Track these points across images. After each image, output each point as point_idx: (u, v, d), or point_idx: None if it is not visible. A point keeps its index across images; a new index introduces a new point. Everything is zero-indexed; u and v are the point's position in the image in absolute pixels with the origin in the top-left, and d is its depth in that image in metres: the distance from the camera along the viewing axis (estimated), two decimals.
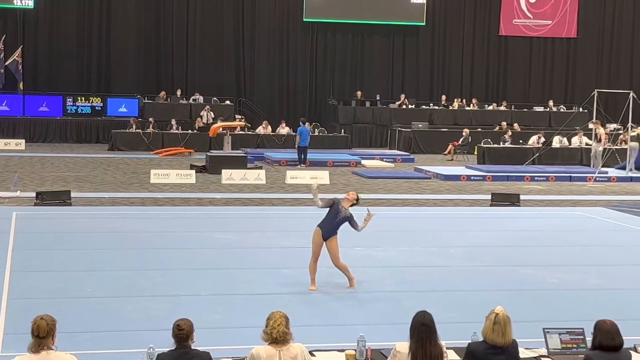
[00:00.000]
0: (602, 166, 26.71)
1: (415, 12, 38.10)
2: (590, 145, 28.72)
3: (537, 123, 35.64)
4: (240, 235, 15.31)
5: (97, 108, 34.08)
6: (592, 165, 27.74)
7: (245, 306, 10.47)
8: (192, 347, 6.32)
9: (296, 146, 28.38)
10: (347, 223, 11.27)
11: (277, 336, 6.27)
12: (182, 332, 6.26)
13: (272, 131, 32.98)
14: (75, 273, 12.07)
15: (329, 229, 11.20)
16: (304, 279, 11.33)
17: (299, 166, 27.39)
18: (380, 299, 11.10)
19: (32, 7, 34.93)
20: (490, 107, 36.95)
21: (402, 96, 36.67)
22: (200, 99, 35.21)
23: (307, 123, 29.75)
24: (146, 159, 28.79)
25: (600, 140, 27.82)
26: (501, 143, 30.48)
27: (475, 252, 14.32)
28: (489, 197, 20.67)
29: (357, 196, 11.50)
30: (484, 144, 30.56)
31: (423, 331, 6.31)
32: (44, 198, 18.20)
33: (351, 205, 11.36)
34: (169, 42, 36.77)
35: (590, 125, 29.27)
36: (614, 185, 25.29)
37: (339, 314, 10.33)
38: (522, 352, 7.04)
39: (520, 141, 30.68)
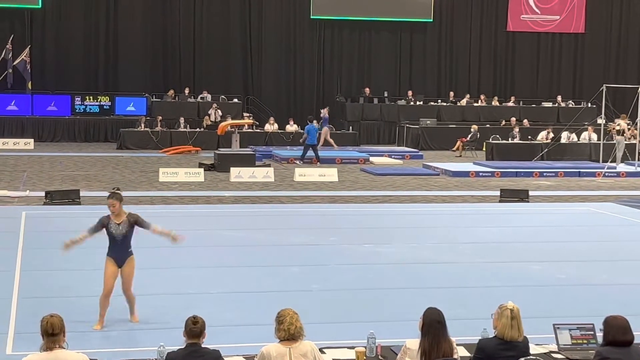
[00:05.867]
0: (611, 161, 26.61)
1: (422, 8, 38.05)
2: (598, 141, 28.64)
3: (545, 118, 35.52)
4: (249, 233, 15.31)
5: (105, 107, 34.14)
6: (613, 160, 27.18)
7: (254, 304, 10.48)
8: (202, 345, 6.32)
9: (302, 143, 28.32)
10: (135, 229, 9.62)
11: (295, 332, 6.30)
12: (197, 327, 6.25)
13: (279, 128, 33.01)
14: (84, 272, 12.07)
15: (119, 254, 9.61)
16: (313, 277, 11.32)
17: (297, 162, 27.38)
18: (390, 295, 11.09)
19: (40, 6, 35.00)
20: (496, 103, 36.86)
21: (410, 92, 36.63)
22: (208, 97, 35.23)
23: (314, 121, 29.70)
24: (154, 157, 28.83)
25: (623, 134, 27.69)
26: (510, 139, 30.42)
27: (484, 248, 14.31)
28: (497, 193, 20.63)
29: (114, 199, 9.49)
30: (492, 140, 30.49)
31: (439, 329, 6.32)
32: (53, 197, 18.23)
33: (126, 213, 9.62)
34: (177, 41, 36.79)
35: (599, 121, 29.15)
36: (623, 180, 25.26)
37: (349, 311, 10.33)
38: (533, 348, 7.01)
39: (529, 137, 30.60)
